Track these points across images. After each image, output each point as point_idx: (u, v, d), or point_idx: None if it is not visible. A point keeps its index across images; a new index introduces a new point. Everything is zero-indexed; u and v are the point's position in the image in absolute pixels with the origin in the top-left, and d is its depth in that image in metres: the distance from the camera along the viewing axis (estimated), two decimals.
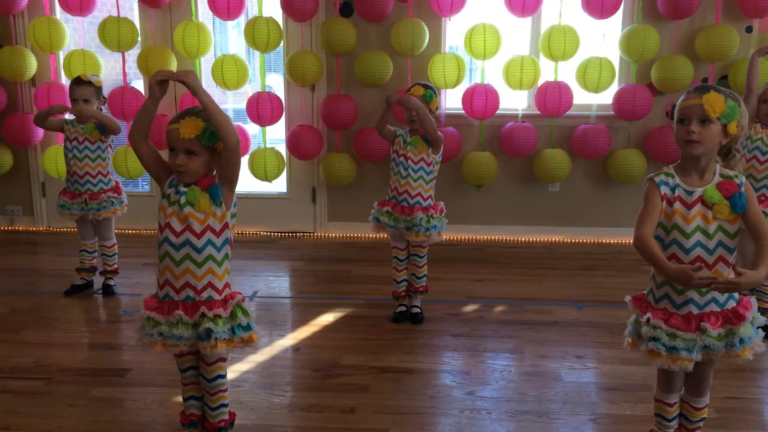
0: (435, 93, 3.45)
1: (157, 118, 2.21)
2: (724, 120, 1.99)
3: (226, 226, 2.15)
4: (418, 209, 3.45)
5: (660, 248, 2.05)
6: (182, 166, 2.08)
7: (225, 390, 2.31)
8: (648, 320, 2.07)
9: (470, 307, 3.92)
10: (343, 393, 2.90)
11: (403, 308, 3.70)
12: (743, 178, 2.05)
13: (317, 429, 2.62)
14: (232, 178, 2.13)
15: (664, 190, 2.06)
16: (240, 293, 2.22)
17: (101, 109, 3.89)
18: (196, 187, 2.11)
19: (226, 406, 2.33)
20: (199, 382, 2.31)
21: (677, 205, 2.03)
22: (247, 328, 2.18)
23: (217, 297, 2.16)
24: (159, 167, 2.20)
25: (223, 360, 2.27)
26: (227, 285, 2.20)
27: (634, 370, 3.06)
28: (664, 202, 2.05)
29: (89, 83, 3.79)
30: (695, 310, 2.04)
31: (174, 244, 2.12)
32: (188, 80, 2.00)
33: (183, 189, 2.12)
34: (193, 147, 2.07)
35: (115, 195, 3.94)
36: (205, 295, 2.14)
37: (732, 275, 1.96)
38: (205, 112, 2.04)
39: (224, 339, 2.12)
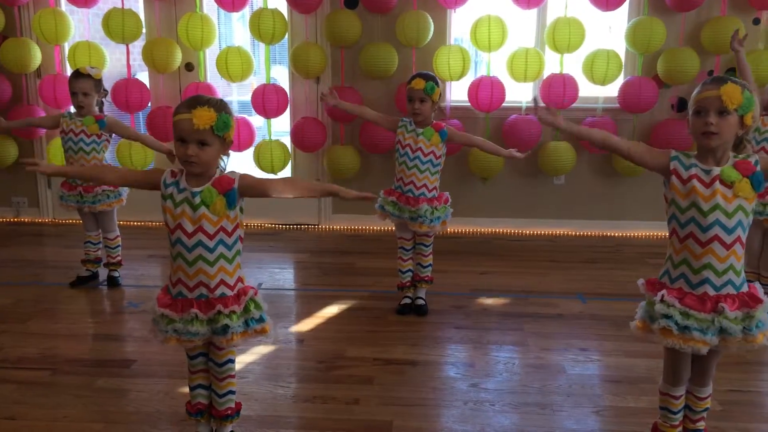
0: (437, 84, 3.38)
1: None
2: (742, 111, 1.99)
3: (237, 226, 2.15)
4: (423, 201, 3.44)
5: (677, 227, 2.06)
6: (193, 157, 2.04)
7: (233, 376, 2.33)
8: (662, 297, 2.07)
9: (475, 300, 3.92)
10: (347, 384, 2.90)
11: (408, 300, 3.70)
12: (756, 156, 2.05)
13: (321, 420, 2.63)
14: (254, 195, 2.15)
15: (674, 165, 2.06)
16: (253, 287, 2.23)
17: (102, 102, 3.89)
18: (213, 188, 2.09)
19: (233, 393, 2.35)
20: (207, 370, 2.33)
21: (695, 182, 2.03)
22: (260, 320, 2.20)
23: (229, 293, 2.16)
24: (144, 180, 2.22)
25: (234, 345, 2.28)
26: (240, 279, 2.21)
27: (638, 363, 3.06)
28: (673, 176, 2.05)
29: (88, 76, 3.76)
30: (711, 291, 2.04)
31: (186, 245, 2.11)
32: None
33: (196, 189, 2.09)
34: (205, 137, 2.04)
35: (111, 188, 3.89)
36: (218, 292, 2.15)
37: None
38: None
39: (239, 332, 2.15)
